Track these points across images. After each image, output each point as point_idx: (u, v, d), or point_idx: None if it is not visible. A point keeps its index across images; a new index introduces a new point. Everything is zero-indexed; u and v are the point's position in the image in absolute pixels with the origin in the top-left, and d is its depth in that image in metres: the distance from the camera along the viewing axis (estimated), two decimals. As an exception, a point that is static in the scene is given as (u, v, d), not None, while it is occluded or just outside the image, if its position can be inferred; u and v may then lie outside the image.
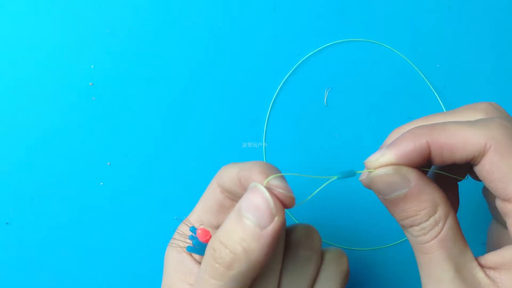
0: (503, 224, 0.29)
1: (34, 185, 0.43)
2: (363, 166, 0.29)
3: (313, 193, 0.29)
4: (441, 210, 0.26)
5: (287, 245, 0.31)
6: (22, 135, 0.43)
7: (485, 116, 0.28)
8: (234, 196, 0.31)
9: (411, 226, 0.27)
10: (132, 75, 0.43)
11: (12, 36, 0.43)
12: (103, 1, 0.43)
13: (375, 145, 0.31)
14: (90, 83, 0.43)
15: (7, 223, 0.43)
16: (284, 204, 0.27)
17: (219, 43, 0.44)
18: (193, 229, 0.30)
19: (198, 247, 0.30)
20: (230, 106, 0.44)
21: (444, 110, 0.44)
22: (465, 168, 0.31)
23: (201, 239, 0.30)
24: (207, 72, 0.44)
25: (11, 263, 0.42)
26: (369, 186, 0.28)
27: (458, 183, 0.33)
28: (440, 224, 0.26)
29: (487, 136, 0.26)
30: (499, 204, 0.26)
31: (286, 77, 0.44)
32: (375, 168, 0.27)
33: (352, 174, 0.28)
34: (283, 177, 0.28)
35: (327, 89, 0.44)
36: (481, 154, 0.26)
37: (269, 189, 0.27)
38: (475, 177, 0.30)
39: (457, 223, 0.27)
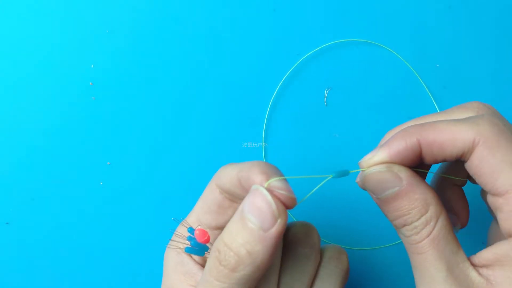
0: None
1: (34, 185, 0.43)
2: (362, 166, 0.29)
3: (310, 193, 0.29)
4: (432, 210, 0.27)
5: (285, 243, 0.32)
6: (22, 135, 0.43)
7: (475, 114, 0.28)
8: (233, 197, 0.31)
9: (404, 225, 0.27)
10: (132, 75, 0.44)
11: (12, 36, 0.43)
12: (103, 1, 0.43)
13: (375, 145, 0.31)
14: (90, 83, 0.43)
15: (7, 223, 0.43)
16: (286, 205, 0.27)
17: (219, 43, 0.44)
18: (191, 230, 0.30)
19: (197, 248, 0.30)
20: (230, 106, 0.44)
21: (438, 111, 0.44)
22: (465, 172, 0.31)
23: (199, 240, 0.29)
24: (207, 72, 0.44)
25: (11, 263, 0.43)
26: (363, 186, 0.29)
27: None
28: (432, 223, 0.27)
29: (476, 131, 0.26)
30: (490, 199, 0.27)
31: (285, 76, 0.44)
32: (369, 167, 0.28)
33: (346, 173, 0.29)
34: (284, 178, 0.28)
35: (327, 89, 0.44)
36: (470, 150, 0.26)
37: (270, 191, 0.27)
38: (473, 181, 0.30)
39: (450, 223, 0.27)
